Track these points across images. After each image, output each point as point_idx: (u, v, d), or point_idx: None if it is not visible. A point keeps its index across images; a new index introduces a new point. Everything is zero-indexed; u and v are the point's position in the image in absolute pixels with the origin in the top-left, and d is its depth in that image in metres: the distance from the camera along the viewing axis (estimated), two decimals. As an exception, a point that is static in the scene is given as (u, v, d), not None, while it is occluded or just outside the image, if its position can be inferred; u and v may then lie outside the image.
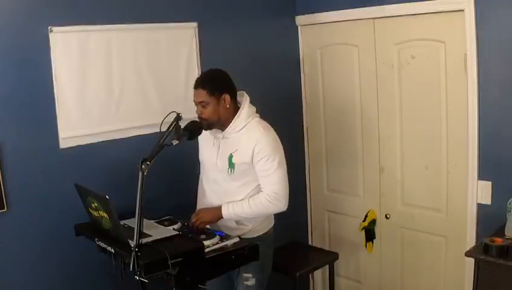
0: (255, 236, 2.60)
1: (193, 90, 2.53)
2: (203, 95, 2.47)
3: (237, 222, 2.60)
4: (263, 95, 3.32)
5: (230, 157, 2.52)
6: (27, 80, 2.50)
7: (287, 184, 2.55)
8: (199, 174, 2.80)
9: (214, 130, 2.58)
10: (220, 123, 2.54)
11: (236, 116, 2.53)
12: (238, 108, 2.55)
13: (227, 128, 2.54)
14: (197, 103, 2.51)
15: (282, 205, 2.54)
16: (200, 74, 2.89)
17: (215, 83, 2.50)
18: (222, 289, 2.76)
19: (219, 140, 2.57)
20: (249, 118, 2.54)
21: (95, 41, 2.69)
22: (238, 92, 2.58)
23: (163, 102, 2.94)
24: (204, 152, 2.69)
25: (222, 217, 2.55)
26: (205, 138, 2.63)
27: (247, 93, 2.62)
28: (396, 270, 3.44)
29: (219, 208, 2.55)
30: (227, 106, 2.50)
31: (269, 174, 2.50)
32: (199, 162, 2.77)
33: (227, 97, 2.50)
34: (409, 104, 3.19)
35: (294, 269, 3.15)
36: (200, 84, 2.50)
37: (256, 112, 2.62)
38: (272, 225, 2.73)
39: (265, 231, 2.67)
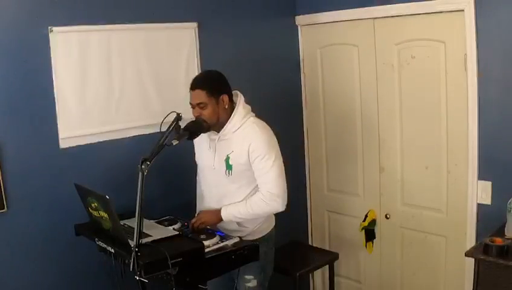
0: (256, 238, 2.57)
1: (190, 91, 2.47)
2: (202, 96, 2.42)
3: (238, 224, 2.58)
4: (263, 95, 3.33)
5: (228, 159, 2.49)
6: (27, 80, 2.49)
7: (284, 184, 2.49)
8: (196, 176, 2.80)
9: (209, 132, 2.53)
10: (218, 125, 2.49)
11: (231, 117, 2.48)
12: (234, 109, 2.51)
13: (223, 130, 2.49)
14: (194, 105, 2.45)
15: (278, 205, 2.48)
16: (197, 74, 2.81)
17: (214, 84, 2.46)
18: (223, 289, 2.76)
19: (215, 142, 2.53)
20: (245, 117, 2.50)
21: (95, 41, 2.69)
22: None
23: (163, 102, 2.94)
24: (201, 155, 2.66)
25: (222, 219, 2.53)
26: (200, 141, 2.58)
27: (247, 92, 2.60)
28: (396, 270, 3.44)
29: (219, 210, 2.52)
30: (226, 107, 2.46)
31: (264, 173, 2.45)
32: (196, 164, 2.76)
33: (225, 98, 2.46)
34: (409, 104, 3.19)
35: (294, 269, 3.15)
36: (198, 84, 2.44)
37: (256, 111, 2.60)
38: (273, 225, 2.71)
39: (266, 233, 2.65)
